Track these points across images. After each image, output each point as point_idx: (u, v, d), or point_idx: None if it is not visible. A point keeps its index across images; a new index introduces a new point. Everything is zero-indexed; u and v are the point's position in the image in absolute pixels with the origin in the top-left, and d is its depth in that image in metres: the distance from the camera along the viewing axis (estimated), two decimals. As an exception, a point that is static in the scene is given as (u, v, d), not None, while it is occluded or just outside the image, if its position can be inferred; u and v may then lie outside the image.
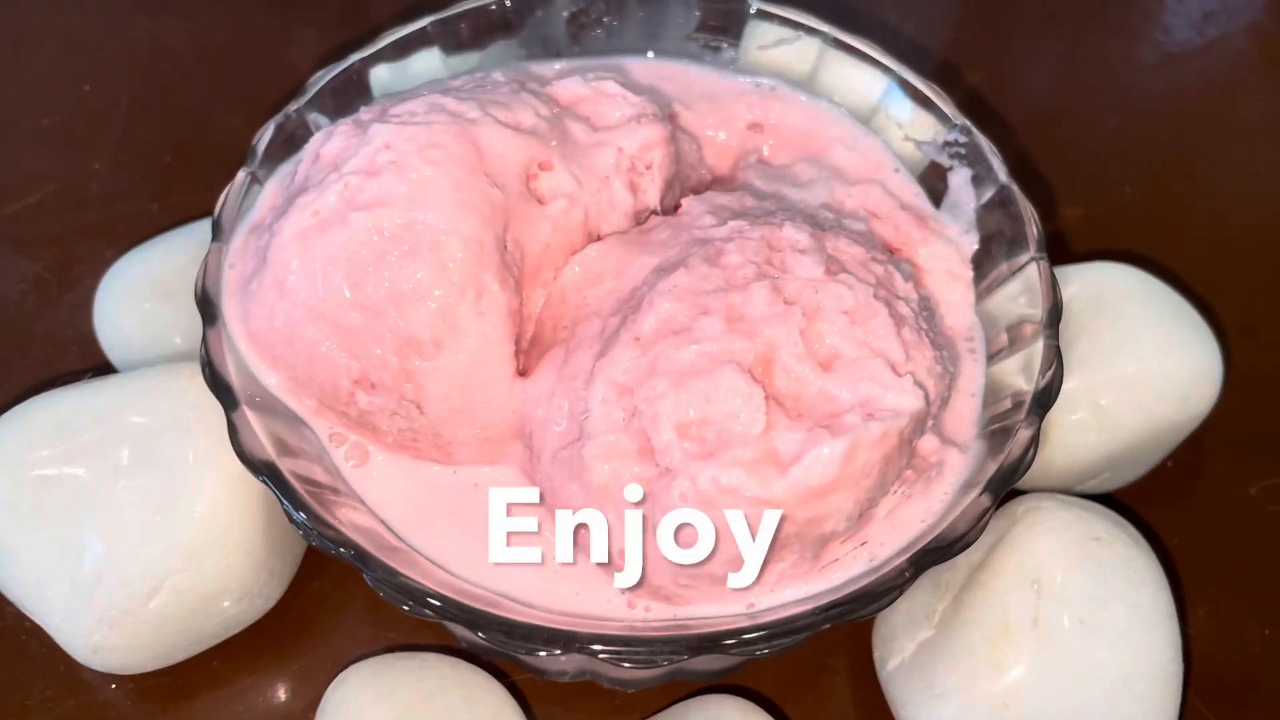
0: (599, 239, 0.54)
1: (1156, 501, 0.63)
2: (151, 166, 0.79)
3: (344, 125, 0.52)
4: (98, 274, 0.67)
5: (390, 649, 0.57)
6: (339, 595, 0.60)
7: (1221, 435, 0.64)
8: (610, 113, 0.55)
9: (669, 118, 0.58)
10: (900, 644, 0.55)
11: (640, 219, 0.55)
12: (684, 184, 0.58)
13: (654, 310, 0.48)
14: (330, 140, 0.51)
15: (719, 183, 0.61)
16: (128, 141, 0.80)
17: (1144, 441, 0.60)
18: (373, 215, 0.48)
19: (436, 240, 0.48)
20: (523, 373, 0.51)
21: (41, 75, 0.84)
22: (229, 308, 0.51)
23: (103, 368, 0.65)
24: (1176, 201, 0.78)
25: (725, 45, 0.65)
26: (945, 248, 0.56)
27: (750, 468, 0.44)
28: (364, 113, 0.53)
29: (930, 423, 0.49)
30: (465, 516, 0.51)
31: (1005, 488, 0.47)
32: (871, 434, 0.45)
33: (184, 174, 0.78)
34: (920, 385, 0.47)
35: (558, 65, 0.63)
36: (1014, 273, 0.55)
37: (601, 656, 0.43)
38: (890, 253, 0.55)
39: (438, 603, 0.44)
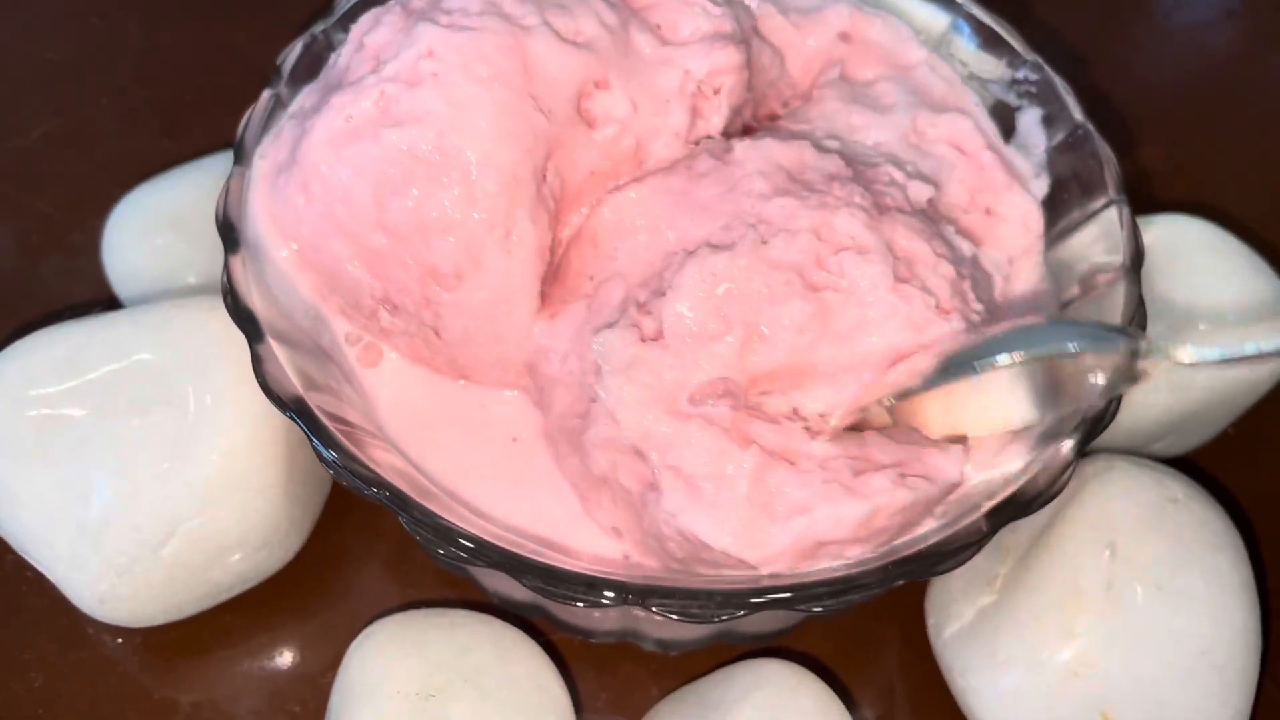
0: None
1: (1222, 466, 0.60)
2: (162, 102, 0.75)
3: (393, 13, 0.48)
4: (105, 212, 0.64)
5: (415, 604, 0.53)
6: (359, 549, 0.57)
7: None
8: (684, 24, 0.50)
9: (750, 28, 0.53)
10: (959, 609, 0.52)
11: (695, 141, 0.51)
12: (758, 102, 0.54)
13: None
14: (376, 30, 0.48)
15: (797, 99, 0.57)
16: (138, 76, 0.76)
17: (1215, 403, 0.57)
18: (405, 133, 0.45)
19: (469, 169, 0.45)
20: (546, 298, 0.49)
21: (46, 6, 0.80)
22: (256, 200, 0.48)
23: (111, 304, 0.62)
24: (1256, 152, 0.74)
25: (779, -23, 0.61)
26: (1025, 199, 0.52)
27: (738, 535, 0.41)
28: None
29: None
30: (472, 431, 0.49)
31: (1089, 440, 0.43)
32: (897, 500, 0.42)
33: (197, 110, 0.74)
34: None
35: None
36: (1088, 218, 0.51)
37: (655, 611, 0.39)
38: (955, 227, 0.50)
39: (482, 547, 0.40)
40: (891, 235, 0.46)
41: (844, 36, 0.57)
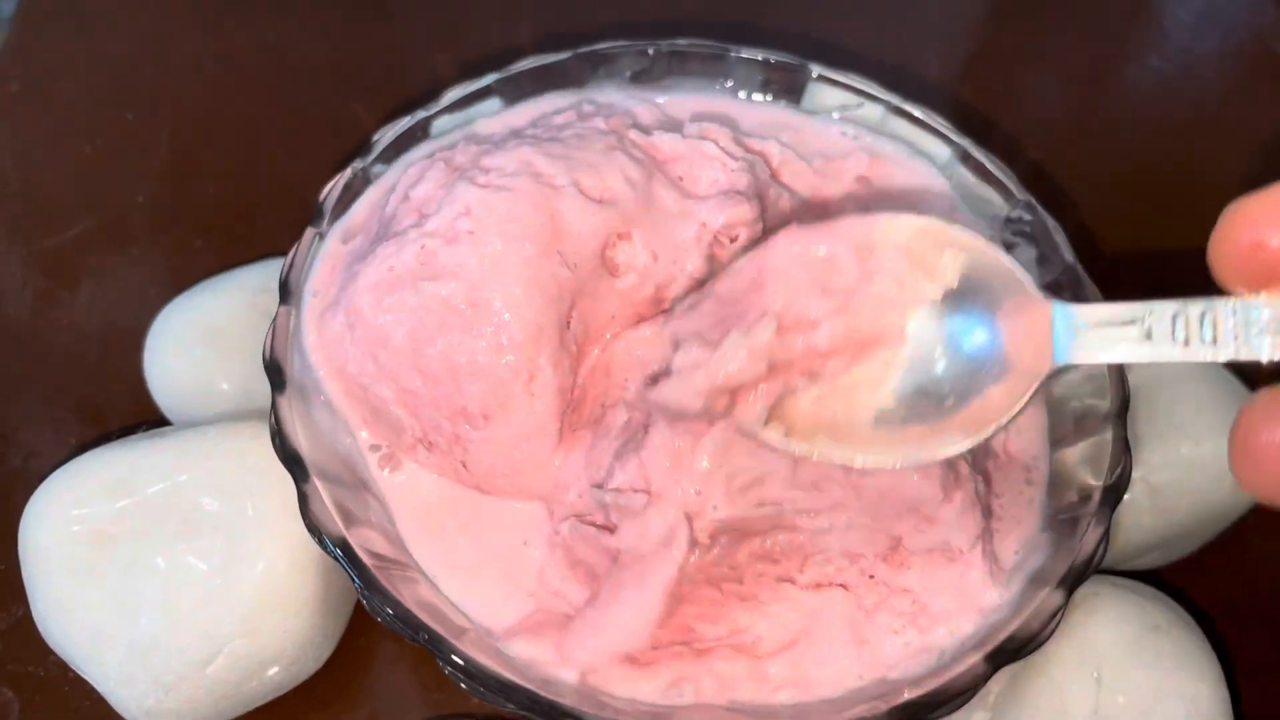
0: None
1: (1201, 579, 0.63)
2: (196, 201, 0.78)
3: (436, 169, 0.52)
4: (142, 312, 0.67)
5: (442, 716, 0.56)
6: (385, 655, 0.60)
7: (1263, 511, 0.64)
8: (703, 177, 0.54)
9: (768, 178, 0.56)
10: (954, 725, 0.55)
11: None
12: None
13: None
14: (421, 184, 0.52)
15: None
16: (171, 174, 0.79)
17: (1196, 523, 0.60)
18: (441, 286, 0.49)
19: (498, 321, 0.49)
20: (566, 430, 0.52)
21: (80, 101, 0.83)
22: (306, 333, 0.52)
23: (153, 416, 0.65)
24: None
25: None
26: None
27: None
28: (459, 151, 0.53)
29: None
30: (485, 535, 0.52)
31: (1077, 585, 0.47)
32: None
33: (229, 209, 0.77)
34: None
35: (661, 100, 0.63)
36: (1078, 357, 0.55)
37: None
38: None
39: (512, 692, 0.43)
40: None
41: (861, 180, 0.61)
